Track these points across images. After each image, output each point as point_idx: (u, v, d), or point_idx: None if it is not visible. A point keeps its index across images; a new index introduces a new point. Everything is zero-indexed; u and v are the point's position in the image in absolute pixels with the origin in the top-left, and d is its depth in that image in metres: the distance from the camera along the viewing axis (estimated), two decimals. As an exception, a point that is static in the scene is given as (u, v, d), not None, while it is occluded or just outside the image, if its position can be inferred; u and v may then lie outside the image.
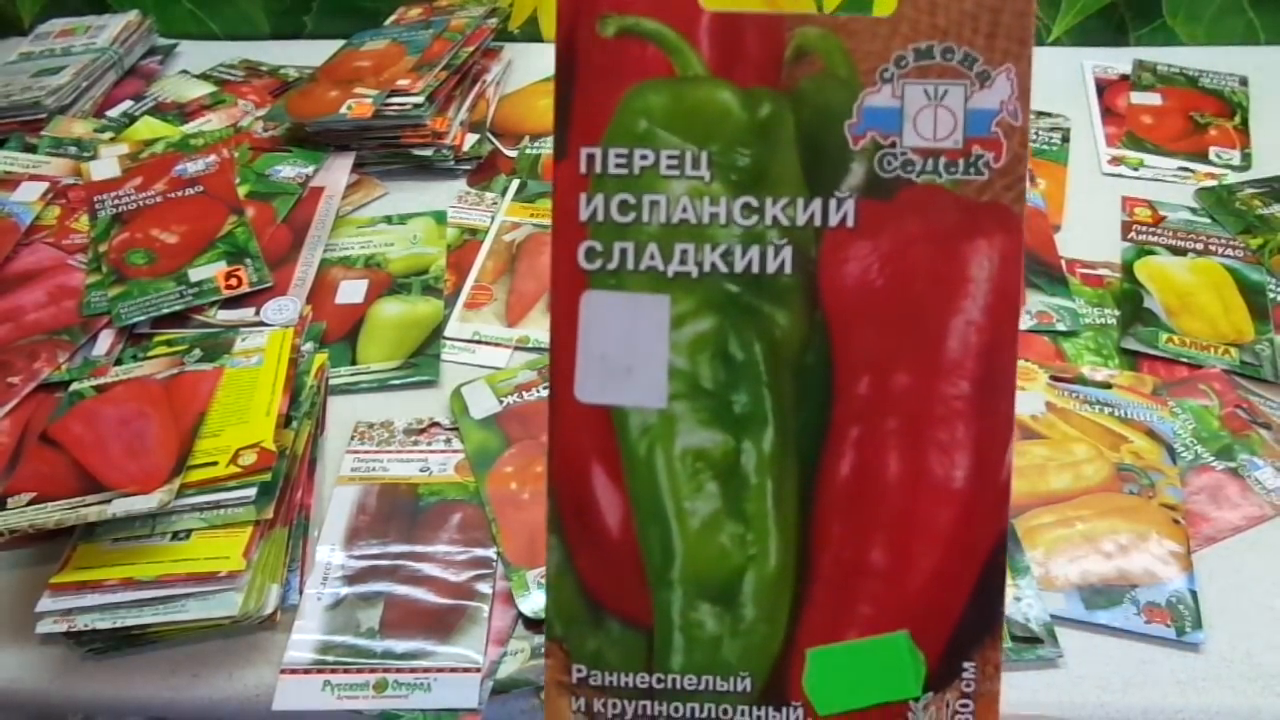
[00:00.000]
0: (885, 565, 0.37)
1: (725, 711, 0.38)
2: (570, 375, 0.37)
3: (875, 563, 0.37)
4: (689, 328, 0.37)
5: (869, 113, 0.36)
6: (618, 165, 0.36)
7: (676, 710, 0.38)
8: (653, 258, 0.36)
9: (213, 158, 0.84)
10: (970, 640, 0.37)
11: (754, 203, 0.36)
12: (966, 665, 0.37)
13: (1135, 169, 0.86)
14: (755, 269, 0.37)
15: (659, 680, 0.38)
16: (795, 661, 0.37)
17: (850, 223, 0.36)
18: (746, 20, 0.36)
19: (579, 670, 0.38)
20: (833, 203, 0.36)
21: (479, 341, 0.71)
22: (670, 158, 0.36)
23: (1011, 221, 0.36)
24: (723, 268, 0.37)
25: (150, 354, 0.66)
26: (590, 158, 0.36)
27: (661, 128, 0.36)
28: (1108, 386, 0.65)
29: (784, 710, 0.38)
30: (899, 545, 0.37)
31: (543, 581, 0.49)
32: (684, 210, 0.36)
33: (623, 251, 0.36)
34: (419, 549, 0.56)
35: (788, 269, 0.37)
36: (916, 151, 0.36)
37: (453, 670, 0.51)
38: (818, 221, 0.36)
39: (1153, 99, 0.93)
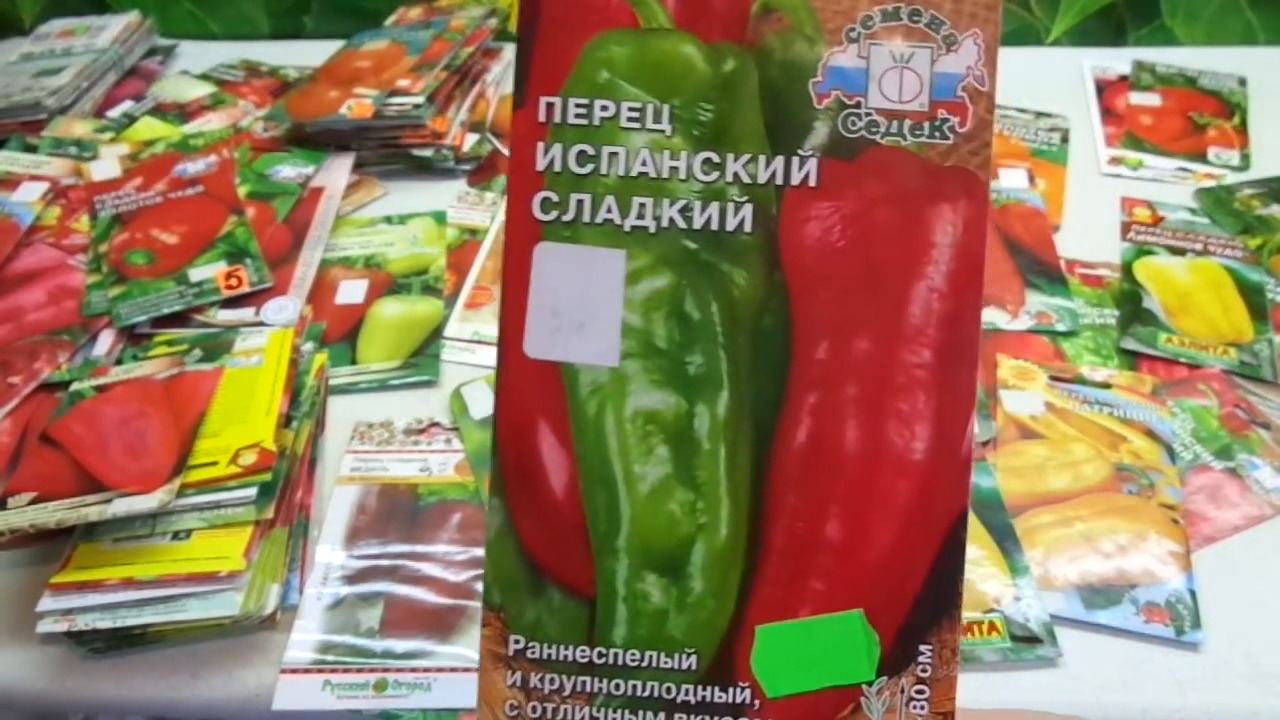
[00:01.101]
0: (840, 539, 0.36)
1: (669, 690, 0.36)
2: (520, 329, 0.36)
3: (830, 536, 0.36)
4: (644, 284, 0.36)
5: (834, 72, 0.36)
6: (577, 115, 0.36)
7: (617, 688, 0.36)
8: (609, 211, 0.36)
9: (213, 158, 0.84)
10: (928, 621, 0.36)
11: (715, 159, 0.36)
12: (923, 648, 0.36)
13: (1134, 169, 0.86)
14: (714, 226, 0.36)
15: (600, 655, 0.36)
16: (744, 639, 0.36)
17: (812, 181, 0.36)
18: None
19: (516, 641, 0.37)
20: (795, 161, 0.36)
21: (479, 341, 0.71)
22: (631, 110, 0.36)
23: (976, 187, 0.36)
24: (681, 223, 0.36)
25: (150, 354, 0.66)
26: (549, 106, 0.36)
27: (623, 79, 0.36)
28: (1107, 386, 0.65)
29: (730, 690, 0.36)
30: (855, 519, 0.36)
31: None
32: (643, 164, 0.36)
33: (579, 203, 0.36)
34: (419, 549, 0.56)
35: (748, 227, 0.36)
36: (881, 113, 0.36)
37: (453, 670, 0.51)
38: (779, 179, 0.36)
39: (1152, 99, 0.93)
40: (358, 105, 0.85)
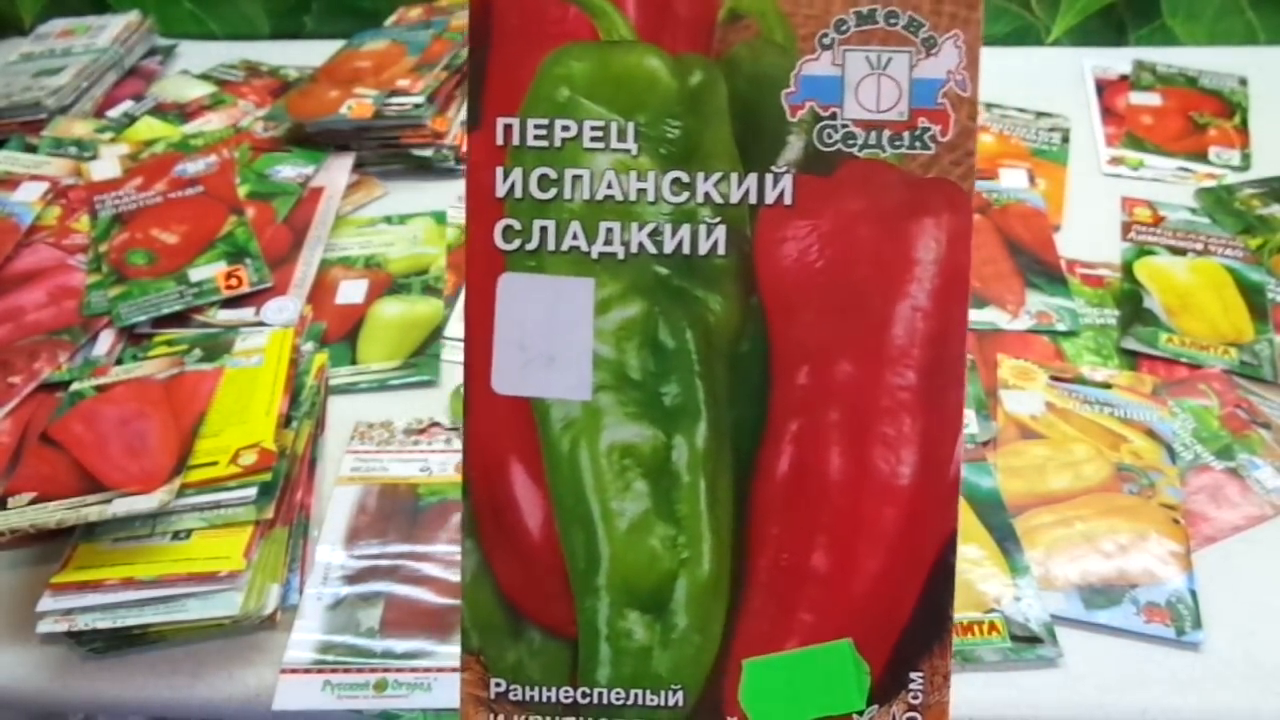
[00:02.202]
0: (827, 569, 0.35)
1: None
2: (487, 365, 0.34)
3: (816, 566, 0.35)
4: (615, 313, 0.34)
5: (807, 81, 0.34)
6: (537, 137, 0.34)
7: None
8: (575, 237, 0.34)
9: (213, 158, 0.84)
10: (918, 649, 0.35)
11: (685, 178, 0.34)
12: (914, 675, 0.35)
13: (1135, 169, 0.86)
14: (686, 250, 0.34)
15: (584, 695, 0.35)
16: (731, 673, 0.35)
17: (788, 200, 0.34)
18: None
19: (498, 685, 0.36)
20: (769, 178, 0.34)
21: (479, 341, 0.71)
22: (594, 129, 0.34)
23: (960, 199, 0.34)
24: (651, 248, 0.34)
25: (150, 354, 0.66)
26: (507, 128, 0.34)
27: (585, 96, 0.34)
28: (1107, 386, 0.65)
29: None
30: (841, 547, 0.35)
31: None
32: (609, 186, 0.34)
33: (543, 230, 0.34)
34: (419, 549, 0.56)
35: (721, 250, 0.34)
36: (859, 124, 0.34)
37: (453, 670, 0.51)
38: (753, 198, 0.34)
39: (1152, 99, 0.93)
40: (358, 105, 0.85)
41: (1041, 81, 0.96)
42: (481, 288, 0.34)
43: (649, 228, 0.34)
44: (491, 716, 0.36)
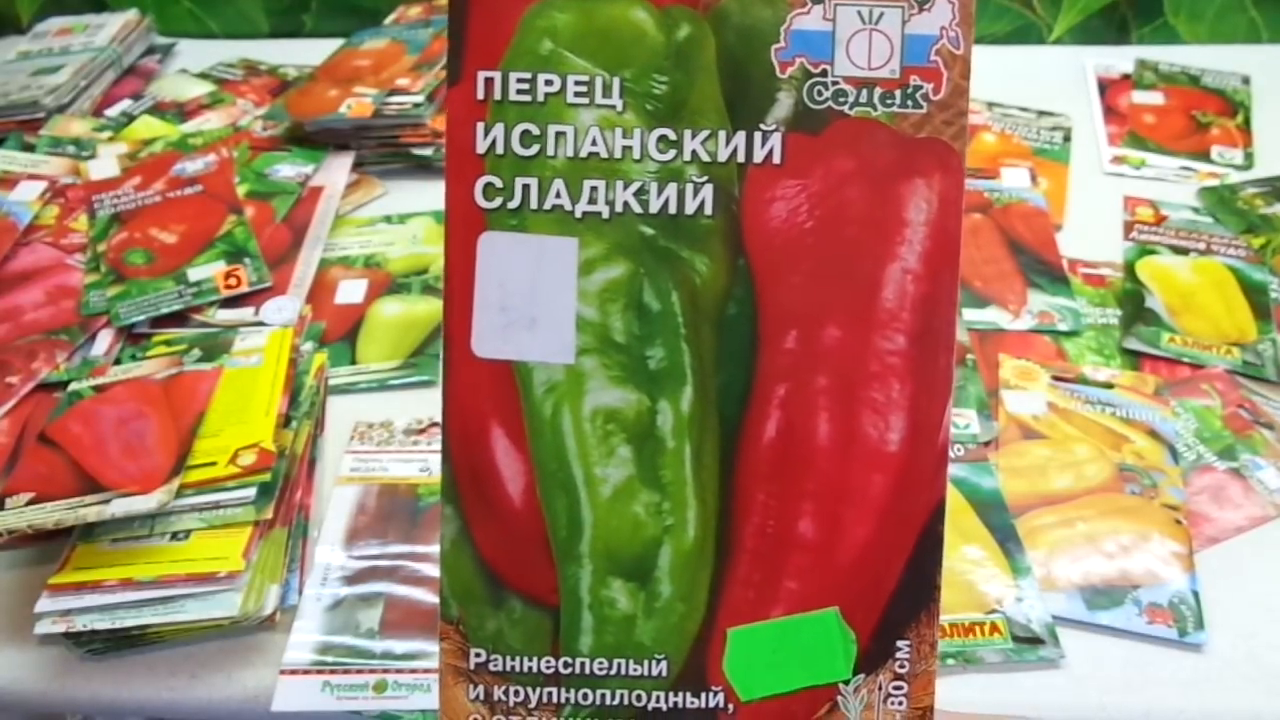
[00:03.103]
0: (814, 537, 0.34)
1: (639, 697, 0.35)
2: (467, 327, 0.34)
3: (803, 534, 0.34)
4: (599, 274, 0.34)
5: (798, 36, 0.33)
6: (519, 91, 0.33)
7: (585, 697, 0.35)
8: (559, 196, 0.33)
9: (212, 157, 0.83)
10: (905, 617, 0.35)
11: (671, 135, 0.33)
12: (900, 644, 0.35)
13: (1137, 168, 0.86)
14: (673, 209, 0.34)
15: (566, 664, 0.35)
16: (715, 642, 0.35)
17: (777, 158, 0.33)
18: None
19: (478, 654, 0.35)
20: (758, 136, 0.33)
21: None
22: (578, 84, 0.33)
23: (952, 160, 0.33)
24: (637, 208, 0.33)
25: (149, 354, 0.66)
26: (488, 82, 0.33)
27: (569, 50, 0.33)
28: (1109, 386, 0.65)
29: (703, 695, 0.35)
30: (829, 515, 0.34)
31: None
32: (594, 143, 0.33)
33: (525, 188, 0.33)
34: (419, 549, 0.56)
35: (708, 210, 0.34)
36: (850, 80, 0.33)
37: (453, 671, 0.51)
38: (741, 157, 0.33)
39: (1155, 98, 0.93)
40: (357, 104, 0.85)
41: (1043, 80, 0.96)
42: (461, 248, 0.34)
43: (634, 186, 0.34)
44: (471, 687, 0.35)
